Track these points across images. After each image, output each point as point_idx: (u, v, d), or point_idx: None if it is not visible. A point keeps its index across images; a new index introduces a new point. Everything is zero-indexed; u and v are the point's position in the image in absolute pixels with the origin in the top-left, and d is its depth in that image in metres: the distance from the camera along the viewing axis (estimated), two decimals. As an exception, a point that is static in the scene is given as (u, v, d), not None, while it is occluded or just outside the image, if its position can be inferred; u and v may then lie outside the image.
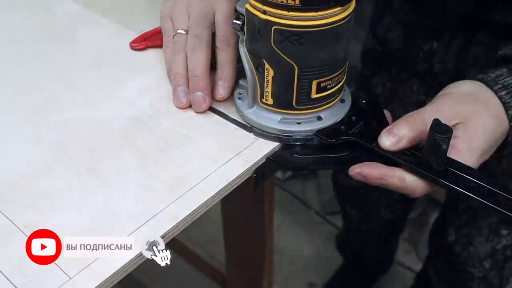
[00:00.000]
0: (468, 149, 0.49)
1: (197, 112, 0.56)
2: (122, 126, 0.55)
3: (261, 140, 0.53)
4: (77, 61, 0.65)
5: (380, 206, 1.12)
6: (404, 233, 1.40)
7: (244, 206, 1.07)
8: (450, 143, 0.48)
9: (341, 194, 1.21)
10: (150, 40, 0.66)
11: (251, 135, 0.54)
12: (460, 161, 0.48)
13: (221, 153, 0.52)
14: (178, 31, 0.58)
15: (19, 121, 0.56)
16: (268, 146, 0.53)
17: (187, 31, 0.58)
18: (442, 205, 1.09)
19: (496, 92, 0.52)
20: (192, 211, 0.46)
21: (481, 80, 0.53)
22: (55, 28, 0.71)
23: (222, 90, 0.56)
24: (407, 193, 0.49)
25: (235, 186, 0.50)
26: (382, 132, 0.50)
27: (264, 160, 0.52)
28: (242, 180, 0.51)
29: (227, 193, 0.49)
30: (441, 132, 0.45)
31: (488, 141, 0.50)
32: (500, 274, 0.99)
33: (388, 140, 0.49)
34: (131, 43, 0.66)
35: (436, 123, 0.46)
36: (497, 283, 1.01)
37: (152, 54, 0.66)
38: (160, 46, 0.66)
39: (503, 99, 0.52)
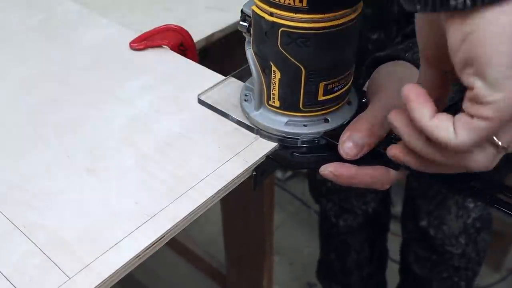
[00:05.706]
0: None
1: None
2: (122, 126, 0.55)
3: (260, 139, 0.53)
4: (77, 61, 0.65)
5: (351, 197, 1.12)
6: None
7: (244, 206, 1.07)
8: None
9: (314, 190, 1.21)
10: (150, 40, 0.66)
11: (251, 135, 0.54)
12: None
13: (220, 153, 0.52)
14: None
15: (19, 121, 0.56)
16: (268, 146, 0.53)
17: None
18: (405, 192, 1.10)
19: (404, 59, 0.54)
20: (192, 211, 0.46)
21: (386, 56, 0.55)
22: (55, 28, 0.71)
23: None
24: (376, 187, 0.50)
25: (234, 186, 0.50)
26: (343, 140, 0.49)
27: (263, 160, 0.52)
28: (242, 180, 0.50)
29: (226, 193, 0.49)
30: None
31: None
32: (477, 248, 1.02)
33: (352, 151, 0.48)
34: (131, 43, 0.66)
35: None
36: (475, 257, 1.04)
37: (152, 54, 0.66)
38: (160, 46, 0.66)
39: (407, 58, 0.53)
